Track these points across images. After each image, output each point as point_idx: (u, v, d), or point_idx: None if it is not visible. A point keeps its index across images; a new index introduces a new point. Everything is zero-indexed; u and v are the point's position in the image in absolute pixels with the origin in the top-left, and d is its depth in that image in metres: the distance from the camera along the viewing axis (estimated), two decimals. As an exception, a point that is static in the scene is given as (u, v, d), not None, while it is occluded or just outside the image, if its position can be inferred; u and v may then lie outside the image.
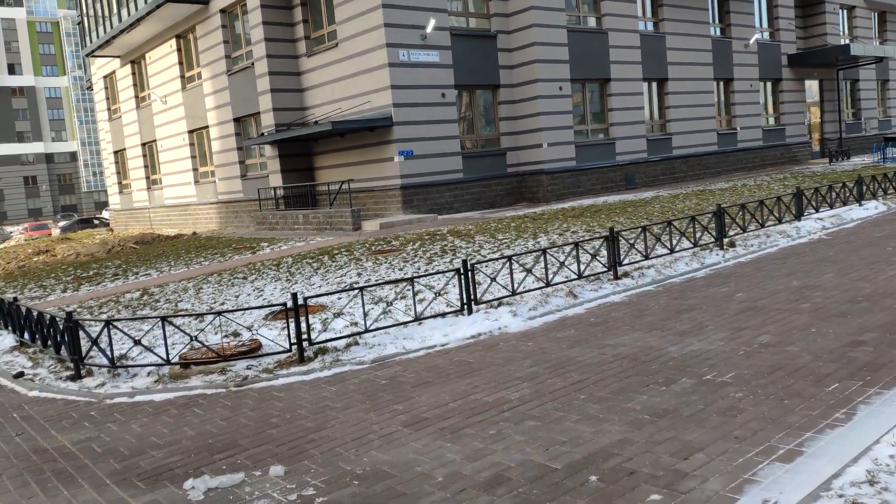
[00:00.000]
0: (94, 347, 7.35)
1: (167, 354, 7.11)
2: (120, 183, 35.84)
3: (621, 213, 16.44)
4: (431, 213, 19.88)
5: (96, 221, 48.64)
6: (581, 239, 12.16)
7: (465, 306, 8.04)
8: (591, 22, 23.32)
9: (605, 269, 9.50)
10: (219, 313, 7.24)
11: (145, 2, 25.60)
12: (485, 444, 4.61)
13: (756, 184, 21.70)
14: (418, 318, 7.80)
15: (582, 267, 9.25)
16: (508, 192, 21.96)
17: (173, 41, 27.60)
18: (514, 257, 8.58)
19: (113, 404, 6.62)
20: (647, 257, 9.96)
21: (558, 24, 21.76)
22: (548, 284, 8.76)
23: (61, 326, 7.65)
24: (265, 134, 22.25)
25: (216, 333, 8.39)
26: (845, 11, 33.85)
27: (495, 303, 8.37)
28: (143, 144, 32.04)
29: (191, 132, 28.00)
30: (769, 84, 30.04)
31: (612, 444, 4.38)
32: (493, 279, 8.27)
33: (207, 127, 26.68)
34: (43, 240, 34.92)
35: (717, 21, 27.59)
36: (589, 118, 23.44)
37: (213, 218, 27.36)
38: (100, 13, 30.07)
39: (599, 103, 23.73)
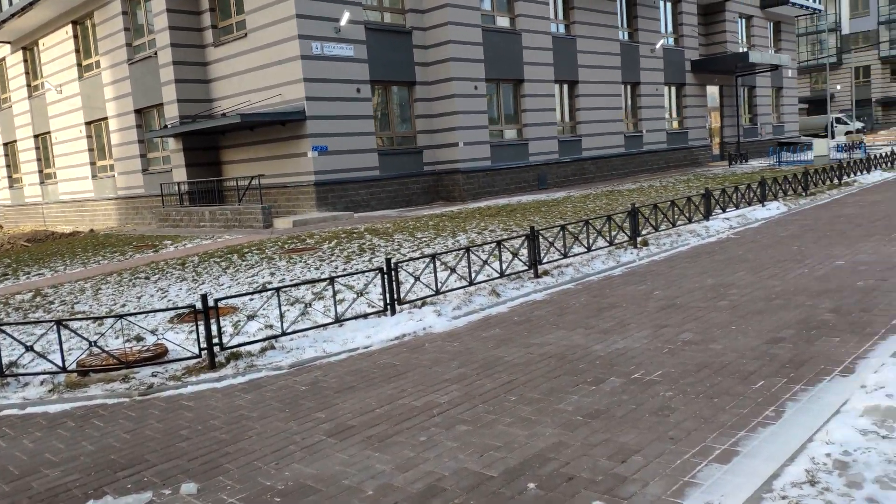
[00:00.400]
0: (-24, 356, 6.64)
1: (63, 361, 6.49)
2: (10, 177, 33.34)
3: (536, 213, 16.58)
4: (347, 210, 19.45)
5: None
6: (501, 238, 12.13)
7: (389, 307, 7.78)
8: (505, 22, 23.47)
9: (526, 268, 9.47)
10: (120, 316, 6.67)
11: (36, -18, 23.86)
12: (416, 453, 4.38)
13: (662, 185, 22.45)
14: (339, 320, 7.49)
15: (504, 266, 9.16)
16: (425, 190, 21.79)
17: (69, 27, 25.86)
18: (437, 256, 8.38)
19: (1, 417, 5.97)
20: (565, 255, 10.00)
21: (473, 22, 21.77)
22: (471, 283, 8.62)
23: (-63, 333, 6.88)
24: (169, 126, 21.16)
25: (117, 338, 7.78)
26: (744, 20, 35.64)
27: (419, 303, 8.15)
28: (36, 136, 29.90)
29: (88, 124, 26.33)
30: (673, 89, 31.22)
31: (547, 447, 4.25)
32: (417, 278, 8.05)
33: (106, 118, 25.16)
34: (-82, 237, 32.01)
35: (625, 26, 28.40)
36: (503, 118, 23.60)
37: (112, 214, 25.83)
38: (-16, -7, 27.82)
39: (513, 104, 23.93)
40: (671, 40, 30.80)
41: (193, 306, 6.67)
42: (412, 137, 21.70)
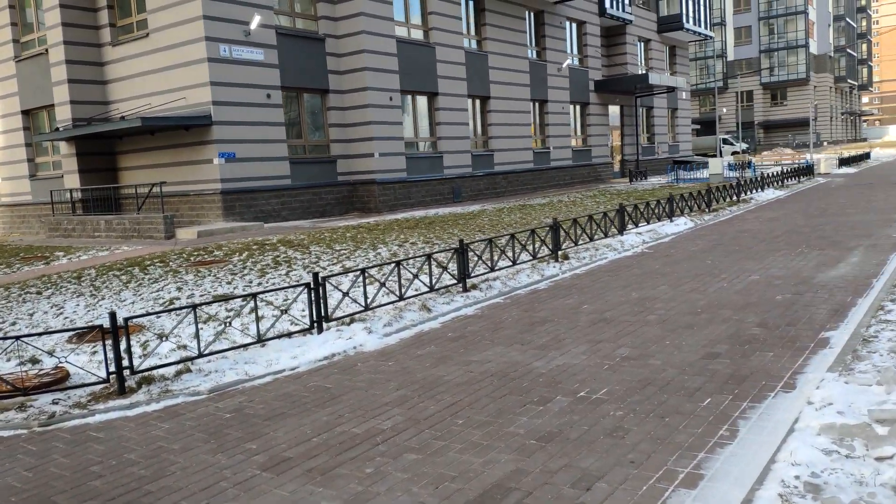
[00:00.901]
0: None
1: (-57, 391, 5.71)
2: None
3: (454, 226, 16.50)
4: (256, 220, 18.69)
5: None
6: (425, 251, 11.91)
7: (316, 324, 7.38)
8: (419, 35, 23.41)
9: (455, 282, 9.28)
10: (17, 338, 5.95)
11: None
12: (364, 487, 4.06)
13: (570, 200, 22.97)
14: (261, 340, 7.01)
15: (433, 280, 8.94)
16: (339, 200, 21.31)
17: (-57, 17, 23.66)
18: (367, 270, 8.05)
19: None
20: (492, 269, 9.90)
21: (388, 33, 21.56)
22: (401, 298, 8.34)
23: None
24: (61, 129, 19.69)
25: (8, 360, 6.98)
26: (643, 44, 37.25)
27: (347, 319, 7.79)
28: None
29: (-36, 123, 24.14)
30: (578, 107, 32.16)
31: (505, 476, 4.03)
32: (346, 294, 7.68)
33: (-14, 118, 23.16)
34: None
35: (534, 44, 29.01)
36: (418, 131, 23.48)
37: (-9, 223, 23.77)
38: None
39: (428, 117, 23.86)
40: (576, 60, 31.74)
41: (100, 326, 6.05)
42: (325, 146, 21.19)
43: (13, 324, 8.81)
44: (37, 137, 21.14)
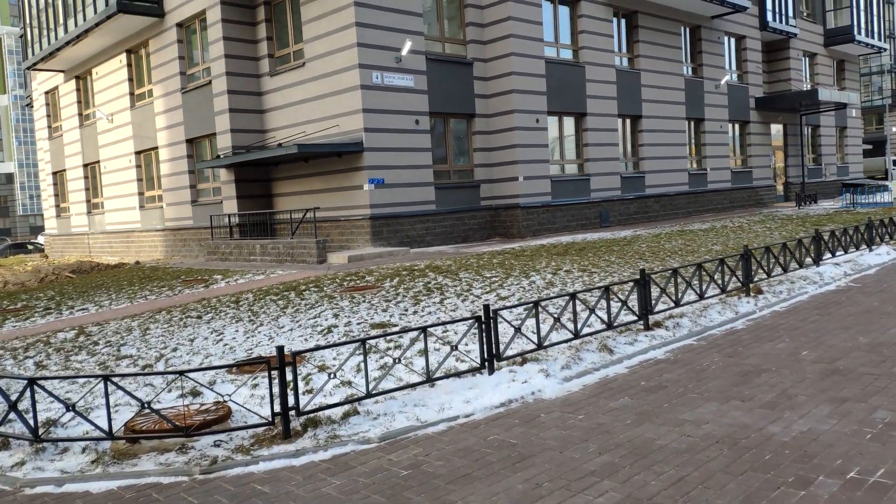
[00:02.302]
0: (13, 412, 5.58)
1: (109, 425, 5.37)
2: (58, 206, 33.18)
3: (608, 252, 15.31)
4: (402, 245, 18.39)
5: (30, 247, 45.30)
6: (585, 282, 10.87)
7: (487, 363, 6.55)
8: (568, 54, 22.51)
9: (636, 319, 8.17)
10: (180, 373, 5.54)
11: (94, 12, 23.68)
12: None
13: (736, 225, 21.00)
14: (430, 379, 6.27)
15: (611, 315, 7.87)
16: (481, 226, 20.68)
17: (123, 56, 25.64)
18: (539, 303, 7.14)
19: (34, 496, 4.85)
20: (677, 304, 8.69)
21: (536, 54, 20.84)
22: (576, 336, 7.36)
23: (-33, 383, 5.85)
24: (221, 156, 20.48)
25: (169, 391, 6.68)
26: (807, 58, 34.26)
27: (518, 359, 6.91)
28: (85, 165, 29.68)
29: (138, 153, 25.92)
30: (737, 126, 29.86)
31: None
32: (518, 329, 6.81)
33: (157, 148, 24.70)
34: (-33, 265, 31.82)
35: (689, 61, 27.26)
36: (565, 153, 22.49)
37: (158, 246, 25.20)
38: (44, 24, 27.87)
39: (575, 138, 22.83)
40: (735, 77, 29.54)
41: (267, 361, 5.52)
42: (469, 171, 20.69)
43: (174, 349, 8.67)
44: (199, 165, 22.17)
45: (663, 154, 25.47)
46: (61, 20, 26.27)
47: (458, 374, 6.53)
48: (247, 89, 20.82)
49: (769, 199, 30.84)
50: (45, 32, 27.75)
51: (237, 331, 9.49)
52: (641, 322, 8.20)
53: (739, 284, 9.89)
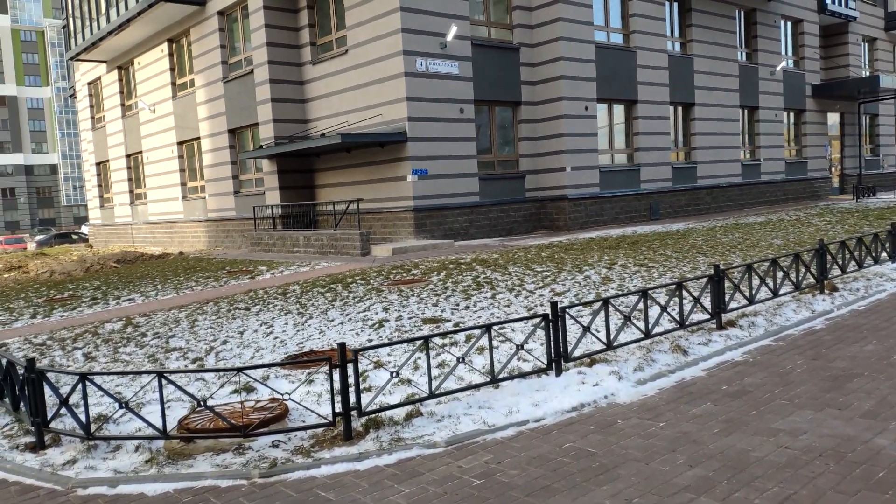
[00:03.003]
0: (64, 407, 5.36)
1: (164, 423, 5.11)
2: (101, 196, 33.61)
3: (662, 246, 14.74)
4: (445, 238, 18.04)
5: (75, 237, 46.21)
6: (644, 276, 10.37)
7: (554, 364, 6.15)
8: (619, 39, 21.83)
9: (708, 317, 7.66)
10: (239, 370, 5.25)
11: (136, 1, 23.74)
12: None
13: (793, 218, 20.17)
14: (495, 380, 5.89)
15: (683, 314, 7.39)
16: (526, 218, 20.20)
17: (165, 45, 25.71)
18: (610, 301, 6.70)
19: (86, 498, 4.62)
20: (751, 302, 8.16)
21: (586, 38, 20.22)
22: (647, 335, 6.90)
23: (21, 377, 5.65)
24: (264, 147, 20.34)
25: (223, 386, 6.43)
26: (867, 44, 32.87)
27: (587, 360, 6.49)
28: (128, 156, 29.95)
29: (180, 144, 26.01)
30: (792, 115, 28.78)
31: None
32: (587, 328, 6.38)
33: (199, 138, 24.73)
34: (17, 254, 32.47)
35: (743, 46, 26.30)
36: (614, 143, 21.85)
37: (201, 237, 25.27)
38: (87, 14, 28.12)
39: (624, 127, 22.16)
40: (791, 63, 28.43)
41: (328, 359, 5.20)
42: (514, 161, 20.21)
43: (224, 342, 8.45)
44: (242, 155, 22.09)
45: (716, 144, 24.64)
46: (103, 10, 26.44)
47: (524, 375, 6.14)
48: (289, 78, 20.64)
49: (824, 191, 29.72)
50: (87, 23, 28.00)
51: (287, 323, 9.24)
52: (714, 321, 7.70)
53: (813, 281, 9.30)
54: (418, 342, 6.17)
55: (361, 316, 9.35)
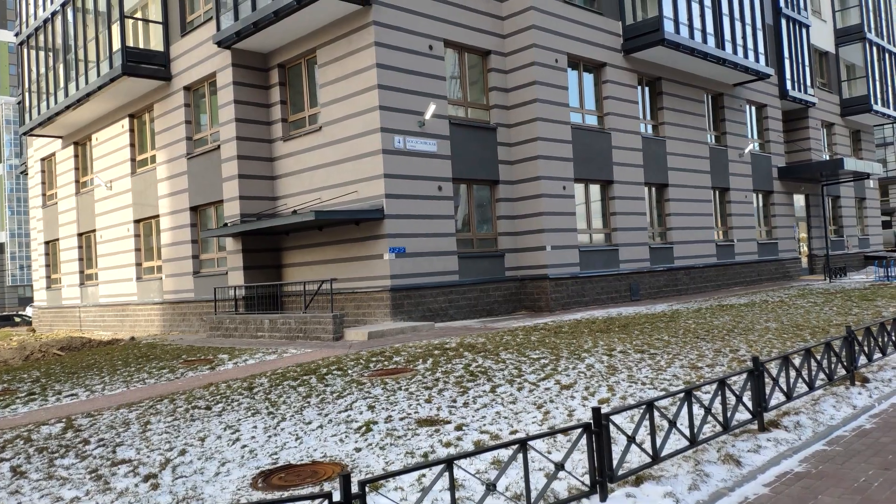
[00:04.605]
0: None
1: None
2: (48, 277, 31.68)
3: (654, 330, 13.91)
4: (424, 320, 16.96)
5: (17, 319, 43.63)
6: (653, 366, 9.43)
7: (599, 486, 5.05)
8: (594, 121, 21.68)
9: (750, 418, 6.69)
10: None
11: (98, 75, 22.90)
12: None
13: (777, 300, 19.68)
14: (529, 508, 4.75)
15: (727, 415, 6.40)
16: (506, 298, 19.30)
17: (126, 121, 24.75)
18: (654, 404, 5.68)
19: None
20: (789, 397, 7.23)
21: (562, 119, 19.98)
22: (693, 443, 5.88)
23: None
24: (228, 224, 19.23)
25: (180, 517, 5.14)
26: (826, 128, 33.78)
27: (631, 478, 5.40)
28: (80, 234, 28.39)
29: (137, 222, 24.69)
30: (761, 196, 28.97)
31: None
32: (632, 439, 5.32)
33: (158, 216, 23.49)
34: (-51, 339, 30.05)
35: (712, 129, 26.57)
36: (592, 222, 21.36)
37: (155, 321, 23.64)
38: (43, 88, 27.12)
39: (601, 206, 21.75)
40: (757, 146, 28.83)
41: (328, 495, 4.02)
42: (493, 240, 19.47)
43: (182, 452, 7.11)
44: (204, 233, 20.90)
45: (690, 224, 24.40)
46: (62, 84, 25.51)
47: (565, 503, 5.01)
48: (258, 154, 19.79)
49: (795, 272, 29.67)
50: (44, 97, 26.98)
51: (255, 427, 7.94)
52: (755, 421, 6.72)
53: (843, 372, 8.47)
54: (439, 467, 4.99)
55: (343, 416, 8.11)
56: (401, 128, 17.05)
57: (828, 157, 33.03)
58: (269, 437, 7.50)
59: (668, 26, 21.59)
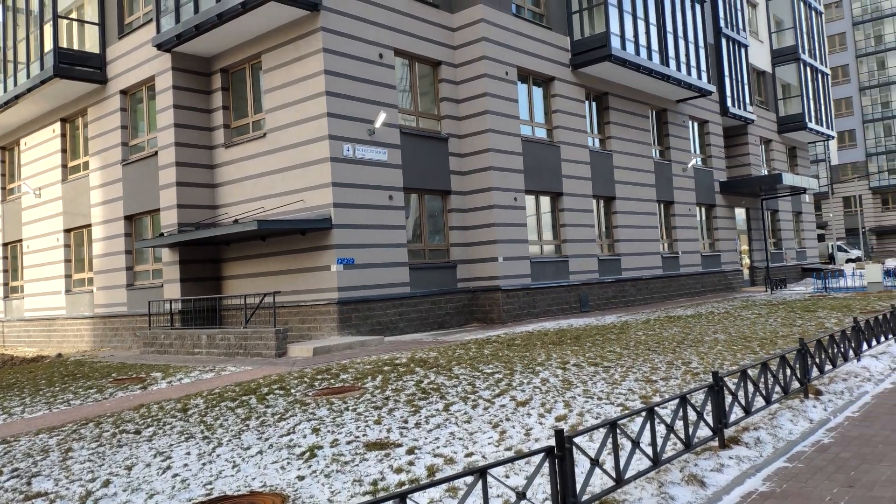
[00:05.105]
0: None
1: None
2: (-31, 289, 29.82)
3: (606, 342, 13.78)
4: (373, 334, 16.46)
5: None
6: (607, 379, 9.21)
7: (564, 516, 4.70)
8: (543, 133, 21.65)
9: (711, 435, 6.48)
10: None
11: (28, 77, 21.72)
12: None
13: (723, 311, 19.89)
14: (488, 541, 4.36)
15: (688, 432, 6.16)
16: (458, 310, 18.97)
17: (57, 125, 23.54)
18: (617, 424, 5.38)
19: None
20: (748, 412, 7.06)
21: (513, 132, 19.86)
22: (656, 463, 5.60)
23: None
24: (165, 234, 18.36)
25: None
26: (764, 145, 34.72)
27: (595, 503, 5.08)
28: (5, 245, 26.86)
29: (67, 231, 23.46)
30: (704, 210, 29.48)
31: None
32: (596, 462, 5.00)
33: (90, 226, 22.35)
34: None
35: (657, 143, 26.93)
36: (542, 234, 21.26)
37: (85, 336, 22.42)
38: (-31, 91, 25.61)
39: (551, 218, 21.68)
40: (699, 160, 29.37)
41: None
42: (445, 251, 19.14)
43: (106, 483, 6.48)
44: (139, 244, 19.91)
45: (637, 237, 24.59)
46: (-11, 86, 24.14)
47: (520, 530, 4.64)
48: (198, 161, 19.01)
49: (737, 283, 30.26)
50: (-30, 100, 25.47)
51: (189, 454, 7.34)
52: (716, 438, 6.51)
53: (798, 385, 8.39)
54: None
55: (286, 441, 7.58)
56: (350, 136, 16.59)
57: (766, 173, 33.93)
58: (204, 464, 6.92)
59: (615, 42, 21.77)
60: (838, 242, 58.21)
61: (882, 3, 69.53)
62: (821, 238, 58.68)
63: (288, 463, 6.74)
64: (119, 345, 20.94)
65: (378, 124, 16.91)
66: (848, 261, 53.45)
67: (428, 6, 19.28)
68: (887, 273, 26.15)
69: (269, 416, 8.83)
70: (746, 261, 32.34)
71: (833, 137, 39.54)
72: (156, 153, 19.42)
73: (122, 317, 21.01)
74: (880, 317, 11.69)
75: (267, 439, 7.68)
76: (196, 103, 19.12)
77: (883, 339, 11.88)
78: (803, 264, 36.19)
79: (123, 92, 20.90)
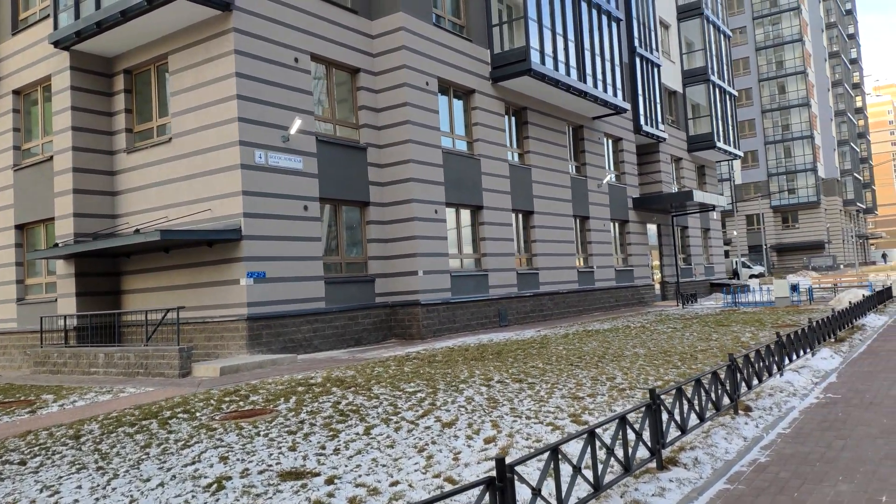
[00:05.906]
0: None
1: None
2: None
3: (528, 357, 13.60)
4: (286, 352, 15.64)
5: None
6: (533, 395, 8.91)
7: (503, 553, 4.25)
8: (464, 146, 21.45)
9: (649, 455, 6.21)
10: None
11: None
12: None
13: (639, 325, 20.15)
14: (423, 588, 3.86)
15: (628, 454, 5.86)
16: (376, 325, 18.38)
17: (-62, 125, 21.48)
18: (559, 449, 4.99)
19: None
20: (684, 431, 6.87)
21: (433, 143, 19.53)
22: (598, 489, 5.26)
23: None
24: (60, 245, 16.94)
25: None
26: (674, 162, 35.88)
27: (536, 535, 4.66)
28: None
29: (-52, 241, 21.35)
30: (617, 225, 30.06)
31: None
32: (538, 492, 4.60)
33: (-26, 235, 20.43)
34: None
35: (573, 159, 27.27)
36: (462, 247, 20.98)
37: (-33, 354, 20.41)
38: None
39: (471, 232, 21.45)
40: (614, 177, 29.99)
41: None
42: (363, 264, 18.54)
43: (-24, 529, 5.58)
44: (31, 255, 18.31)
45: (554, 251, 24.72)
46: None
47: (456, 570, 4.16)
48: (97, 167, 17.69)
49: (649, 297, 30.97)
50: None
51: (80, 488, 6.49)
52: (654, 460, 6.25)
53: (728, 401, 8.31)
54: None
55: (190, 471, 6.83)
56: (263, 142, 15.79)
57: (677, 190, 35.05)
58: (97, 499, 6.12)
59: (535, 57, 21.87)
60: (742, 259, 61.07)
61: (783, 30, 73.99)
62: (726, 254, 61.33)
63: (193, 496, 6.02)
64: (7, 364, 19.16)
65: (293, 131, 16.20)
66: (751, 276, 56.13)
67: (347, 11, 18.76)
68: (793, 288, 27.33)
69: (171, 442, 8.01)
70: (658, 276, 33.20)
71: (740, 157, 41.40)
72: (51, 158, 17.97)
73: (11, 333, 19.26)
74: (799, 331, 11.93)
75: (169, 469, 6.91)
76: (96, 105, 17.82)
77: (802, 352, 12.17)
78: (712, 279, 37.54)
79: (16, 92, 19.31)
